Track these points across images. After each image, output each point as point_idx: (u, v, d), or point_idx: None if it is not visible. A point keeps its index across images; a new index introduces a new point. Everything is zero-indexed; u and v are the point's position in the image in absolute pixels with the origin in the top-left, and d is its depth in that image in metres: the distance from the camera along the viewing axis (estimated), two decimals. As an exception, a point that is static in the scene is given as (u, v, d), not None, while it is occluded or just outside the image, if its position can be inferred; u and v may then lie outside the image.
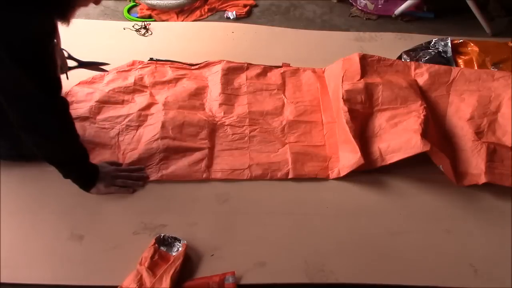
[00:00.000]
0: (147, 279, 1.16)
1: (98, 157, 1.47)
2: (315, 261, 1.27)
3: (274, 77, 1.81)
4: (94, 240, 1.29)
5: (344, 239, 1.33)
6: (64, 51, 1.59)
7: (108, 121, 1.59)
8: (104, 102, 1.64)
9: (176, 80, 1.76)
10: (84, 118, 1.58)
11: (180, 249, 1.24)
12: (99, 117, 1.60)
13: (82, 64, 1.68)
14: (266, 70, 1.83)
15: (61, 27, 1.20)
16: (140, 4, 2.23)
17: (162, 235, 1.27)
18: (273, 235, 1.33)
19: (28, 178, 1.44)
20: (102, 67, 1.73)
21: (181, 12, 2.21)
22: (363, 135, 1.56)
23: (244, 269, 1.23)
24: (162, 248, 1.24)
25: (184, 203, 1.40)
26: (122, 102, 1.66)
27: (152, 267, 1.19)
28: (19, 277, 1.21)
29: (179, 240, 1.26)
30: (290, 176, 1.49)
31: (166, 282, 1.15)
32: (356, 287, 1.25)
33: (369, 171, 1.49)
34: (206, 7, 2.24)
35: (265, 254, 1.28)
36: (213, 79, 1.78)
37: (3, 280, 1.19)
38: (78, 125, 1.44)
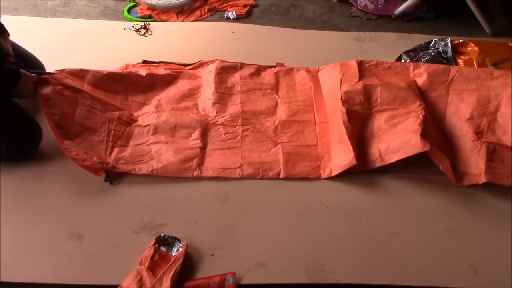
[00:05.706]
0: (147, 280, 1.16)
1: (84, 142, 1.47)
2: (315, 261, 1.27)
3: (267, 76, 1.81)
4: (94, 239, 1.29)
5: (344, 239, 1.33)
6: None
7: (101, 103, 1.58)
8: (97, 86, 1.62)
9: (170, 81, 1.76)
10: (77, 90, 1.55)
11: (180, 249, 1.24)
12: (93, 94, 1.58)
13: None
14: (259, 69, 1.83)
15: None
16: (140, 4, 2.23)
17: (162, 235, 1.27)
18: (273, 235, 1.33)
19: (28, 178, 1.44)
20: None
21: (181, 12, 2.21)
22: (362, 136, 1.56)
23: (244, 269, 1.23)
24: (162, 248, 1.24)
25: (184, 202, 1.40)
26: (115, 92, 1.65)
27: (153, 267, 1.19)
28: (19, 276, 1.21)
29: (179, 240, 1.26)
30: (281, 176, 1.49)
31: (166, 282, 1.15)
32: (356, 287, 1.25)
33: (369, 171, 1.49)
34: (206, 7, 2.24)
35: (265, 254, 1.28)
36: (207, 78, 1.77)
37: (3, 279, 1.20)
38: (71, 97, 1.51)
